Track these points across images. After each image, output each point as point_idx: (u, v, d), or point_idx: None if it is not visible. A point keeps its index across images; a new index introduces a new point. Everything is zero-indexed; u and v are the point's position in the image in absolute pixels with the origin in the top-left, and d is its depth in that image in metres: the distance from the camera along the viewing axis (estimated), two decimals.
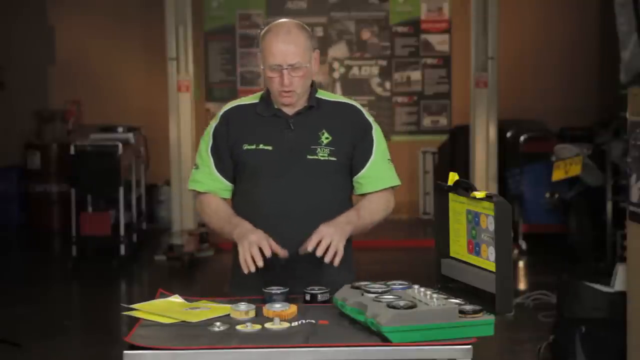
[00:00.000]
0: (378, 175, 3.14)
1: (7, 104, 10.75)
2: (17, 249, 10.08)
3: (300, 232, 3.02)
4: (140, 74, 11.13)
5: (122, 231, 8.76)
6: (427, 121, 11.34)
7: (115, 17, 11.10)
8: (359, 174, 3.14)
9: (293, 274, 3.02)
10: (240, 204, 3.16)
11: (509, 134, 9.58)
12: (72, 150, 8.70)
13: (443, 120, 11.31)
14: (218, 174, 3.16)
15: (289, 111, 3.14)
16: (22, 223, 10.69)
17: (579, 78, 11.05)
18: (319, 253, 2.92)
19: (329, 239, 2.93)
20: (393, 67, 11.28)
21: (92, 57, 11.07)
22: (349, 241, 3.12)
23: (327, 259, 2.93)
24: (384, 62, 11.28)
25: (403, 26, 11.25)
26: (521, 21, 11.02)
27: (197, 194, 3.22)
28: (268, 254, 2.94)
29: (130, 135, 9.44)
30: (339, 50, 11.29)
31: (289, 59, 3.04)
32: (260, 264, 2.91)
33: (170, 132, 9.23)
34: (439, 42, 11.24)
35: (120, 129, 9.66)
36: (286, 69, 3.04)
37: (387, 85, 11.29)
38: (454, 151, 10.21)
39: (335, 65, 11.29)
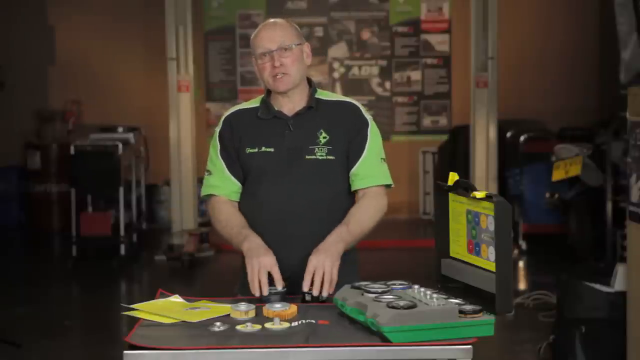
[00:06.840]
0: (368, 172, 3.13)
1: (7, 104, 10.75)
2: (17, 249, 10.07)
3: (303, 232, 3.04)
4: (140, 74, 11.13)
5: (122, 231, 8.77)
6: (427, 121, 11.34)
7: (115, 17, 11.10)
8: (352, 170, 3.14)
9: (298, 278, 2.99)
10: (245, 205, 3.16)
11: (509, 134, 9.58)
12: (72, 150, 8.70)
13: (443, 120, 11.31)
14: (231, 176, 3.16)
15: (289, 112, 3.14)
16: (22, 223, 10.69)
17: (579, 78, 11.05)
18: (315, 293, 2.89)
19: (321, 270, 2.91)
20: (393, 67, 11.28)
21: (92, 57, 11.08)
22: (353, 247, 3.12)
23: (324, 293, 2.90)
24: (384, 62, 11.28)
25: (403, 26, 11.25)
26: (521, 21, 11.02)
27: (210, 198, 3.21)
28: (278, 278, 2.92)
29: (130, 135, 9.45)
30: (339, 50, 11.28)
31: (276, 41, 3.08)
32: (266, 292, 2.88)
33: (170, 132, 9.24)
34: (439, 42, 11.24)
35: (120, 129, 9.68)
36: (275, 51, 3.07)
37: (387, 85, 11.29)
38: (454, 151, 10.20)
39: (335, 65, 11.29)
